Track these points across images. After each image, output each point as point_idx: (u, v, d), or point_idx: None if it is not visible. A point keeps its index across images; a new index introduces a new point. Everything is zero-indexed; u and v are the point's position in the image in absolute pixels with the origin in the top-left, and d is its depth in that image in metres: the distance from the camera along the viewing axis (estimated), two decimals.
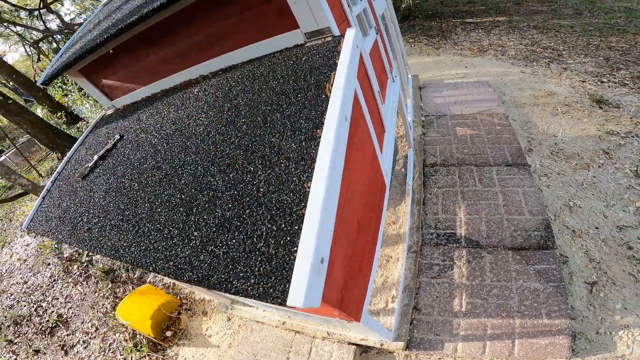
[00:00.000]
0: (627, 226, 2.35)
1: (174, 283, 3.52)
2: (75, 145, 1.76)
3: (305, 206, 0.73)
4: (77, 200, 1.32)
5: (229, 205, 0.87)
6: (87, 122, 8.50)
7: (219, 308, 2.84)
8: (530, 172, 2.85)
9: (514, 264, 2.23)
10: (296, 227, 0.70)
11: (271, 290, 0.65)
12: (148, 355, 2.95)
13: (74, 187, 1.41)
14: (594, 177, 2.78)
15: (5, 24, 6.98)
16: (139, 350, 2.99)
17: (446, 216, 2.73)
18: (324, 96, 0.96)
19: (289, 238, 0.70)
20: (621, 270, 2.12)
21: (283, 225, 0.73)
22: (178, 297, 3.32)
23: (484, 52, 6.18)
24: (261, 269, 0.69)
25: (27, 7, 7.91)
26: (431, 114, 4.05)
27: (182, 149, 1.18)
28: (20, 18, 8.37)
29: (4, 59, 8.72)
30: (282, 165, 0.86)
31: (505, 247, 2.34)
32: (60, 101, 9.08)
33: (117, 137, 1.49)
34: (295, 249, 0.67)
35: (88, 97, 7.48)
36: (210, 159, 1.05)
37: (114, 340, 3.26)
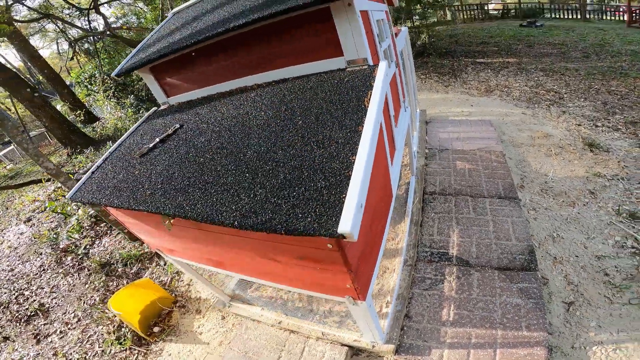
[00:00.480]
0: (605, 256, 2.71)
1: (171, 279, 3.70)
2: (128, 132, 2.08)
3: (351, 170, 1.07)
4: (137, 172, 1.61)
5: (290, 171, 1.20)
6: (104, 123, 8.94)
7: (217, 305, 3.03)
8: (520, 205, 3.23)
9: (499, 282, 2.54)
10: (344, 183, 1.03)
11: (325, 224, 0.96)
12: (130, 348, 3.04)
13: (132, 164, 1.71)
14: (578, 213, 3.17)
15: (52, 19, 7.55)
16: (120, 344, 3.09)
17: (440, 237, 3.06)
18: (362, 106, 1.33)
19: (338, 189, 1.03)
20: (597, 292, 2.46)
21: (334, 182, 1.06)
22: (173, 294, 3.48)
23: (490, 92, 6.76)
24: (317, 210, 1.00)
25: (79, 6, 8.59)
26: (434, 147, 4.50)
27: (245, 135, 1.51)
28: (64, 15, 8.98)
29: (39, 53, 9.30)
30: (333, 147, 1.21)
31: (492, 267, 2.66)
32: (82, 100, 9.57)
33: (177, 126, 1.82)
34: (343, 196, 1.00)
35: (110, 99, 7.92)
36: (271, 142, 1.39)
37: (95, 333, 3.34)
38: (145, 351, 3.01)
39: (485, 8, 18.61)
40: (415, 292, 2.64)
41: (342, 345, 2.42)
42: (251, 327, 2.77)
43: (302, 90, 1.64)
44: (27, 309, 3.91)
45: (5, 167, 11.20)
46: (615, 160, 3.84)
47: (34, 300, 4.02)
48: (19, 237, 5.41)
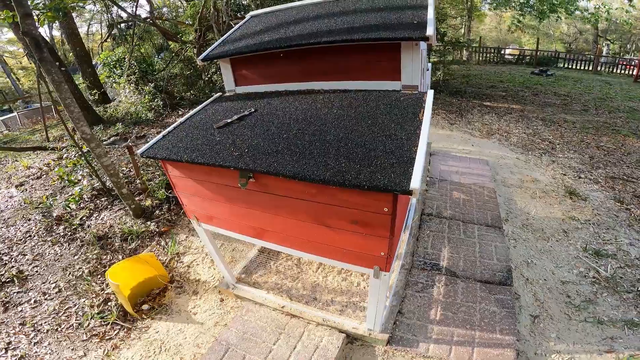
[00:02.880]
0: (568, 282, 3.35)
1: (170, 259, 3.95)
2: (195, 110, 2.54)
3: (414, 154, 1.61)
4: (218, 139, 2.03)
5: (366, 152, 1.70)
6: (117, 105, 9.49)
7: (221, 285, 3.34)
8: (503, 234, 3.86)
9: (479, 292, 3.09)
10: (410, 162, 1.57)
11: (399, 184, 1.47)
12: (113, 323, 3.14)
13: (210, 132, 2.14)
14: (551, 246, 3.84)
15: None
16: (102, 318, 3.18)
17: (433, 251, 3.60)
18: (417, 119, 1.90)
19: (406, 165, 1.56)
20: (559, 310, 3.06)
21: (402, 161, 1.59)
22: (170, 275, 3.69)
23: (491, 135, 7.55)
24: (391, 176, 1.52)
25: None
26: (435, 177, 5.17)
27: (322, 124, 1.99)
28: None
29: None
30: (398, 140, 1.74)
31: (475, 279, 3.22)
32: (102, 81, 10.01)
33: (252, 109, 2.29)
34: (410, 169, 1.52)
35: (131, 83, 8.30)
36: (347, 132, 1.88)
37: (75, 305, 3.40)
38: (129, 327, 3.10)
39: (502, 52, 19.75)
40: (409, 292, 3.12)
41: (341, 331, 2.78)
42: (252, 310, 3.04)
43: (366, 100, 2.20)
44: (1, 274, 3.91)
45: (1, 132, 11.27)
46: (590, 208, 4.60)
47: (12, 267, 4.04)
48: (7, 200, 5.47)
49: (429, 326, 2.86)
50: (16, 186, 5.89)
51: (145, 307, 3.31)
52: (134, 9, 8.92)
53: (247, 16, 3.24)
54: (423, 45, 2.60)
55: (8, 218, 5.02)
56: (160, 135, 2.30)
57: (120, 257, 4.02)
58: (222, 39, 2.79)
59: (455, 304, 3.01)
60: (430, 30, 2.03)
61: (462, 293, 3.10)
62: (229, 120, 2.17)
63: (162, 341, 2.97)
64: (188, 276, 3.71)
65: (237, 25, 3.00)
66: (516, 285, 3.26)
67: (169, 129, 2.35)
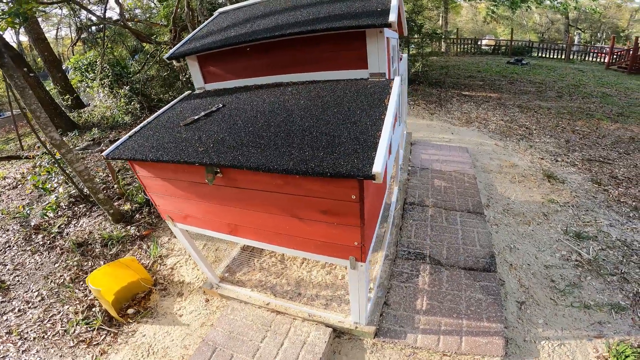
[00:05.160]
0: (552, 266, 3.29)
1: (153, 262, 3.82)
2: (165, 108, 2.40)
3: (377, 139, 1.53)
4: (184, 136, 1.92)
5: (331, 139, 1.62)
6: (92, 110, 9.08)
7: (205, 285, 3.22)
8: (485, 220, 3.80)
9: (464, 279, 3.01)
10: (373, 147, 1.49)
11: (362, 169, 1.39)
12: (99, 329, 3.06)
13: (177, 130, 2.02)
14: (532, 230, 3.78)
15: (73, 3, 7.73)
16: (87, 324, 3.11)
17: (417, 240, 3.52)
18: (383, 105, 1.81)
19: (369, 150, 1.48)
20: (544, 295, 2.99)
21: (366, 146, 1.51)
22: (154, 277, 3.59)
23: (470, 123, 7.55)
24: (354, 162, 1.44)
25: None
26: (416, 166, 5.08)
27: (288, 115, 1.90)
28: (82, 1, 9.23)
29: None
30: (363, 126, 1.66)
31: (460, 267, 3.14)
32: (73, 86, 9.74)
33: (220, 105, 2.17)
34: (373, 154, 1.44)
35: (105, 86, 8.05)
36: (312, 121, 1.80)
37: (60, 312, 3.33)
38: (116, 331, 3.03)
39: (479, 43, 20.02)
40: (394, 283, 3.04)
41: (327, 326, 2.70)
42: (238, 309, 2.96)
43: (333, 90, 2.11)
44: None
45: None
46: (569, 190, 4.58)
47: None
48: None
49: (415, 316, 2.78)
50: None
51: (130, 311, 3.22)
52: (103, 12, 8.66)
53: (215, 13, 3.11)
54: (391, 33, 2.51)
55: None
56: (126, 136, 2.17)
57: (101, 262, 3.88)
58: (188, 36, 2.66)
59: (441, 293, 2.93)
60: (392, 17, 1.97)
61: (447, 281, 3.03)
62: (195, 117, 2.05)
63: (149, 344, 2.90)
64: (172, 278, 3.60)
65: (204, 23, 2.87)
66: (500, 271, 3.19)
67: (135, 129, 2.22)
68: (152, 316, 3.17)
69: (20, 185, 5.88)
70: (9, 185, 6.01)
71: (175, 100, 2.54)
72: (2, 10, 3.02)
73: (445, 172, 4.89)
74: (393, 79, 2.07)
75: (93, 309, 3.27)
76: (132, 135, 2.16)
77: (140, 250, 4.01)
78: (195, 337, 2.88)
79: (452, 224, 3.73)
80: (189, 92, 2.73)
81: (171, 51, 2.52)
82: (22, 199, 5.42)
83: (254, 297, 3.01)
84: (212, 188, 1.92)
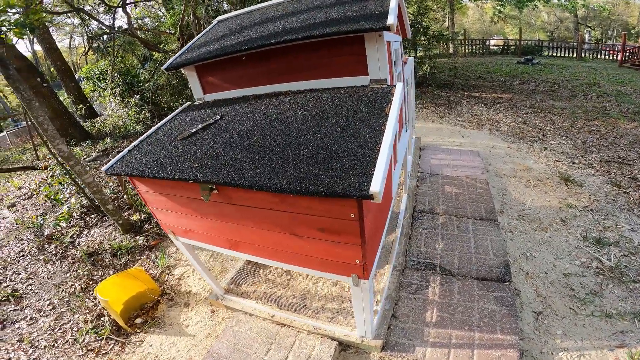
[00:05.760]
0: (571, 274, 3.12)
1: (161, 272, 3.82)
2: (164, 120, 2.37)
3: (377, 154, 1.43)
4: (180, 151, 1.88)
5: (327, 154, 1.52)
6: (103, 120, 9.26)
7: (211, 297, 3.19)
8: (499, 227, 3.64)
9: (477, 290, 2.88)
10: (372, 162, 1.39)
11: (358, 188, 1.29)
12: (107, 338, 3.08)
13: (174, 145, 1.98)
14: (550, 237, 3.60)
15: (82, 12, 7.93)
16: (96, 333, 3.13)
17: (427, 249, 3.40)
18: (384, 114, 1.71)
19: (367, 166, 1.38)
20: (563, 305, 2.83)
21: (364, 161, 1.41)
22: (162, 287, 3.59)
23: (481, 125, 7.32)
24: (351, 179, 1.34)
25: (109, 3, 9.06)
26: (426, 172, 4.95)
27: (285, 127, 1.83)
28: (91, 11, 9.44)
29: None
30: (362, 139, 1.57)
31: (472, 277, 3.01)
32: (86, 95, 9.94)
33: (218, 117, 2.13)
34: (372, 170, 1.35)
35: (116, 96, 8.20)
36: (309, 133, 1.72)
37: (70, 321, 3.38)
38: (123, 341, 3.04)
39: (487, 43, 19.61)
40: (402, 295, 2.93)
41: (332, 339, 2.62)
42: (242, 320, 2.92)
43: (332, 99, 2.02)
44: None
45: None
46: (588, 194, 4.36)
47: (7, 286, 4.01)
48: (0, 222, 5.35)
49: (425, 329, 2.66)
50: (8, 207, 5.77)
51: (138, 320, 3.23)
52: (112, 21, 8.75)
53: (214, 21, 3.07)
54: (392, 36, 2.41)
55: (1, 239, 4.92)
56: (125, 150, 2.14)
57: (111, 272, 3.91)
58: (187, 46, 2.62)
59: (452, 305, 2.81)
60: (391, 19, 1.87)
61: (459, 292, 2.90)
62: (193, 131, 2.01)
63: (155, 355, 2.89)
64: (179, 288, 3.59)
65: (203, 32, 2.83)
66: (516, 281, 3.04)
67: (135, 142, 2.19)
68: (159, 326, 3.16)
69: (35, 195, 6.01)
70: (24, 195, 6.16)
71: (174, 113, 2.51)
72: (9, 21, 3.03)
73: (456, 177, 4.73)
74: (395, 86, 1.97)
75: (102, 318, 3.29)
76: (132, 150, 2.13)
77: (148, 260, 4.02)
78: (200, 349, 2.85)
79: (464, 232, 3.59)
80: (189, 103, 2.70)
81: (169, 62, 2.49)
82: (37, 209, 5.53)
83: (259, 309, 2.95)
84: (210, 204, 1.87)
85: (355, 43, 2.03)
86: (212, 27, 2.90)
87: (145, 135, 2.25)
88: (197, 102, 2.70)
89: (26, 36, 3.39)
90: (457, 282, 2.99)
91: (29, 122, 6.31)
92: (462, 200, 4.15)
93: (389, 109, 1.72)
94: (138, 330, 3.13)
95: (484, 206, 4.00)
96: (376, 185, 1.27)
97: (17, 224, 5.09)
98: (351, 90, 2.09)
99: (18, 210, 5.65)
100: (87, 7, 9.74)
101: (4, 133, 12.93)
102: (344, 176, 1.38)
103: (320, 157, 1.53)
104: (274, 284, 3.23)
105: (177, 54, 2.55)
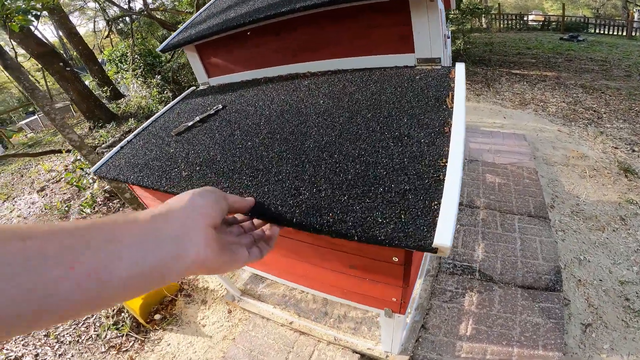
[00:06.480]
0: (628, 282, 2.73)
1: None
2: (163, 110, 2.08)
3: (442, 175, 1.00)
4: (172, 151, 1.54)
5: (363, 168, 1.10)
6: (128, 101, 9.46)
7: (227, 297, 3.03)
8: (550, 225, 3.20)
9: (521, 300, 2.53)
10: (434, 188, 0.97)
11: (414, 234, 0.87)
12: (128, 334, 3.08)
13: (166, 142, 1.68)
14: (607, 238, 3.15)
15: None
16: (117, 329, 3.12)
17: (465, 250, 3.03)
18: (444, 107, 1.26)
19: (427, 195, 0.95)
20: (615, 316, 2.49)
21: (421, 185, 0.97)
22: (179, 283, 3.51)
23: (525, 105, 6.65)
24: (401, 217, 0.91)
25: None
26: (464, 157, 4.42)
27: (301, 122, 1.43)
28: None
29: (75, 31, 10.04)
30: (414, 146, 1.12)
31: (517, 285, 2.65)
32: (110, 77, 10.03)
33: (220, 106, 1.81)
34: (435, 203, 0.92)
35: (138, 77, 8.17)
36: (335, 133, 1.31)
37: (92, 316, 3.38)
38: (143, 339, 3.02)
39: (525, 19, 18.26)
40: (435, 303, 2.62)
41: (354, 352, 2.42)
42: (259, 325, 2.77)
43: (365, 83, 1.58)
44: None
45: (25, 135, 11.63)
46: None
47: None
48: (29, 207, 5.48)
49: (457, 343, 2.37)
50: (37, 191, 5.90)
51: (157, 316, 3.19)
52: (128, 2, 8.56)
53: None
54: (440, 3, 1.93)
55: None
56: (117, 147, 1.87)
57: None
58: (186, 23, 2.25)
59: (491, 316, 2.48)
60: None
61: (500, 302, 2.55)
62: (190, 124, 1.70)
63: (173, 354, 2.85)
64: (197, 284, 3.49)
65: (206, 5, 2.44)
66: (566, 289, 2.66)
67: (128, 137, 1.92)
68: (176, 324, 3.12)
69: (62, 179, 6.12)
70: (53, 179, 6.28)
71: (176, 99, 2.21)
72: (9, 7, 2.84)
73: (499, 165, 4.20)
74: (454, 67, 1.50)
75: (122, 314, 3.27)
76: (124, 146, 1.87)
77: None
78: (217, 351, 2.76)
79: (508, 231, 3.17)
80: (193, 88, 2.40)
81: (165, 42, 2.15)
82: (64, 194, 5.61)
83: (277, 314, 2.76)
84: None
85: (397, 9, 1.53)
86: (214, 2, 2.48)
87: (141, 127, 1.99)
88: (201, 88, 2.38)
89: (30, 24, 3.21)
90: (499, 290, 2.64)
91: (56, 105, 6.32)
92: (507, 193, 3.69)
93: (452, 100, 1.26)
94: (157, 327, 3.10)
95: (532, 200, 3.53)
96: (446, 235, 0.83)
97: (45, 209, 5.17)
98: (391, 73, 1.61)
99: (47, 195, 5.77)
100: None
101: (36, 116, 13.35)
102: (388, 211, 0.93)
103: (351, 174, 1.09)
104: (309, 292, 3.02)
105: (175, 32, 2.21)
